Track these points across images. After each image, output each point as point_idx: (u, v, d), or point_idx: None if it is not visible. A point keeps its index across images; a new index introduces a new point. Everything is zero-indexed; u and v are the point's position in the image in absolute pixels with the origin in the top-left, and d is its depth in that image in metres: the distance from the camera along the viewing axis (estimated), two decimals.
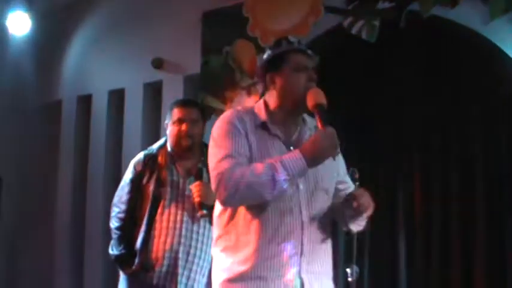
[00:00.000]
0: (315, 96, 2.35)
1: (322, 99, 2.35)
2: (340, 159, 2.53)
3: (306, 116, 2.50)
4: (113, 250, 3.41)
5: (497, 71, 3.73)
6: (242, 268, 2.35)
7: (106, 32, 5.45)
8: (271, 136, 2.42)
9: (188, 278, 3.30)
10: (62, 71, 5.75)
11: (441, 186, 3.96)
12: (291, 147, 2.38)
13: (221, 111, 4.49)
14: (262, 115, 2.44)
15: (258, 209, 2.36)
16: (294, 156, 2.28)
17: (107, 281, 4.89)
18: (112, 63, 5.35)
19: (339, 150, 2.30)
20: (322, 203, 2.43)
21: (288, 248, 2.34)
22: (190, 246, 3.31)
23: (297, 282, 2.34)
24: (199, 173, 3.31)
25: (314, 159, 2.28)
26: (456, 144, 3.96)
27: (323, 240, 2.43)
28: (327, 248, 2.46)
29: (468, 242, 3.84)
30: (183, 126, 3.35)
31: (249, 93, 4.48)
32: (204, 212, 3.23)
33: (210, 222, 3.31)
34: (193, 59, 4.77)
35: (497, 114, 3.82)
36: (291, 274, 2.34)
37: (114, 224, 3.42)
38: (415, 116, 4.05)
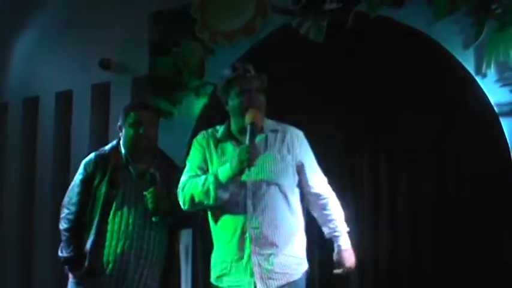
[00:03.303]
0: (248, 116, 2.84)
1: (250, 119, 2.82)
2: (301, 159, 3.00)
3: (268, 120, 2.99)
4: (62, 252, 3.36)
5: (442, 70, 3.80)
6: (214, 256, 3.01)
7: (53, 32, 5.35)
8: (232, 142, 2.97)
9: (139, 282, 3.27)
10: (7, 72, 5.62)
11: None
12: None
13: (169, 114, 4.50)
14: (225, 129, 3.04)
15: (215, 207, 2.93)
16: (225, 167, 2.81)
17: (56, 285, 4.81)
18: (59, 64, 5.26)
19: (248, 163, 2.73)
20: (273, 195, 2.89)
21: (237, 234, 2.87)
22: (142, 250, 3.28)
23: (249, 264, 2.86)
24: (153, 178, 3.29)
25: (234, 168, 2.76)
26: (404, 142, 4.03)
27: (276, 226, 2.87)
28: (280, 232, 2.88)
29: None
30: (141, 129, 3.33)
31: (198, 95, 4.46)
32: (158, 218, 3.22)
33: (162, 227, 3.31)
34: (142, 60, 4.71)
35: (444, 112, 3.90)
36: (245, 256, 2.86)
37: (63, 225, 3.38)
38: (361, 114, 4.10)
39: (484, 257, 3.73)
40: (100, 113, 5.01)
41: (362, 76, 4.03)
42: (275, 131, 2.99)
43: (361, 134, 4.15)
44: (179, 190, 2.98)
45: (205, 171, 2.97)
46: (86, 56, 5.01)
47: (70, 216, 3.36)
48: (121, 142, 3.44)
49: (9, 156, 5.52)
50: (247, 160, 2.74)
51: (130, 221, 3.28)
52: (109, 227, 3.27)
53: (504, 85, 3.54)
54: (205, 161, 3.00)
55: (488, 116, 3.60)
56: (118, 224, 3.27)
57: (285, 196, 2.93)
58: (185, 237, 4.42)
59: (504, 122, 3.55)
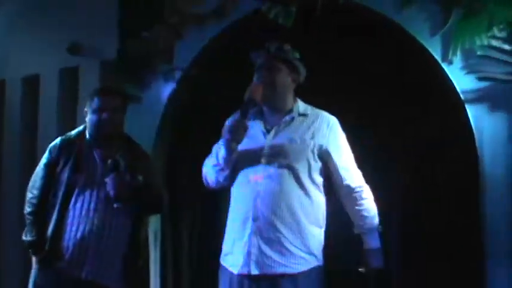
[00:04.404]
0: (248, 91, 2.83)
1: (247, 94, 2.80)
2: (327, 146, 2.87)
3: (300, 102, 2.96)
4: (26, 236, 3.34)
5: (408, 57, 3.84)
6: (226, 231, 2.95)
7: (19, 15, 5.27)
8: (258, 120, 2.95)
9: (99, 267, 3.25)
10: None
11: None
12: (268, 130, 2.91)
13: (137, 98, 4.47)
14: None
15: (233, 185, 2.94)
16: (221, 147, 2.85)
17: (23, 270, 4.78)
18: (25, 48, 5.18)
19: (230, 140, 2.76)
20: (285, 178, 2.79)
21: (242, 214, 2.82)
22: (101, 236, 3.26)
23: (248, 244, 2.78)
24: (115, 164, 3.27)
25: (223, 146, 2.81)
26: (371, 128, 4.06)
27: (282, 211, 2.77)
28: (287, 219, 2.77)
29: None
30: (104, 115, 3.29)
31: (167, 79, 4.45)
32: (119, 205, 3.22)
33: (124, 214, 3.30)
34: (111, 43, 4.68)
35: (411, 98, 3.93)
36: (246, 236, 2.79)
37: (26, 209, 3.38)
38: (328, 99, 4.11)
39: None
40: (68, 98, 4.95)
41: (331, 61, 4.04)
42: (304, 115, 2.93)
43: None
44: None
45: None
46: (53, 39, 4.95)
47: (33, 201, 3.35)
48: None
49: None
50: (229, 138, 2.76)
51: (92, 206, 3.26)
52: (70, 213, 3.25)
53: (469, 72, 3.58)
54: None
55: (454, 103, 3.64)
56: (79, 209, 3.26)
57: (300, 182, 2.82)
58: (154, 223, 4.42)
59: (470, 109, 3.59)
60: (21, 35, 5.22)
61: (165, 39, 4.50)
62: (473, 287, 3.63)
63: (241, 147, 2.84)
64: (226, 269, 2.89)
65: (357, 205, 2.90)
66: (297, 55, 2.98)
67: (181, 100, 4.48)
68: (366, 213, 2.91)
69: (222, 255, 2.94)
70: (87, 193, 3.27)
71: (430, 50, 3.66)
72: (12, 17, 5.32)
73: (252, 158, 2.85)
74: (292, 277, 2.75)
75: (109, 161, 3.29)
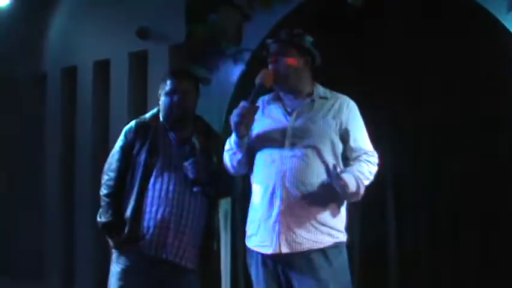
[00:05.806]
0: (258, 76, 2.91)
1: (257, 79, 2.89)
2: (347, 126, 2.90)
3: (320, 87, 2.99)
4: (101, 217, 3.38)
5: (484, 33, 3.71)
6: (248, 216, 3.00)
7: (89, 2, 5.36)
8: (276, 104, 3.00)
9: (178, 247, 3.29)
10: (45, 43, 5.67)
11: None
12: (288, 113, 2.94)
13: (206, 80, 4.49)
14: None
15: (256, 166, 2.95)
16: None
17: (98, 252, 4.91)
18: (96, 34, 5.29)
19: (238, 123, 2.80)
20: (310, 158, 2.82)
21: (268, 193, 2.84)
22: (181, 217, 3.29)
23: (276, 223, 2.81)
24: (193, 148, 3.30)
25: (233, 129, 2.85)
26: (445, 106, 3.96)
27: (309, 190, 2.80)
28: (313, 196, 2.80)
29: None
30: (175, 98, 3.33)
31: (236, 61, 4.45)
32: (198, 188, 3.27)
33: (204, 195, 3.33)
34: (179, 27, 4.70)
35: (485, 77, 3.81)
36: (273, 215, 2.81)
37: (103, 191, 3.41)
38: (402, 77, 4.04)
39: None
40: (138, 82, 5.03)
41: (403, 39, 3.96)
42: (324, 98, 2.97)
43: (400, 96, 4.09)
44: None
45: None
46: (123, 24, 5.03)
47: (110, 182, 3.38)
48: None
49: (49, 127, 5.59)
50: (237, 121, 2.80)
51: (171, 188, 3.29)
52: (150, 194, 3.29)
53: None
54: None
55: None
56: (159, 190, 3.29)
57: (324, 161, 2.85)
58: (224, 204, 4.44)
59: None
60: (91, 21, 5.32)
61: (233, 21, 4.49)
62: None
63: (264, 128, 2.92)
64: (255, 252, 2.93)
65: (360, 161, 2.90)
66: (310, 39, 2.99)
67: (251, 82, 4.47)
68: (357, 166, 2.88)
69: (246, 238, 2.99)
70: (166, 174, 3.31)
71: (507, 25, 3.53)
72: (82, 4, 5.42)
73: (276, 139, 2.88)
74: (322, 250, 2.82)
75: (187, 146, 3.32)
